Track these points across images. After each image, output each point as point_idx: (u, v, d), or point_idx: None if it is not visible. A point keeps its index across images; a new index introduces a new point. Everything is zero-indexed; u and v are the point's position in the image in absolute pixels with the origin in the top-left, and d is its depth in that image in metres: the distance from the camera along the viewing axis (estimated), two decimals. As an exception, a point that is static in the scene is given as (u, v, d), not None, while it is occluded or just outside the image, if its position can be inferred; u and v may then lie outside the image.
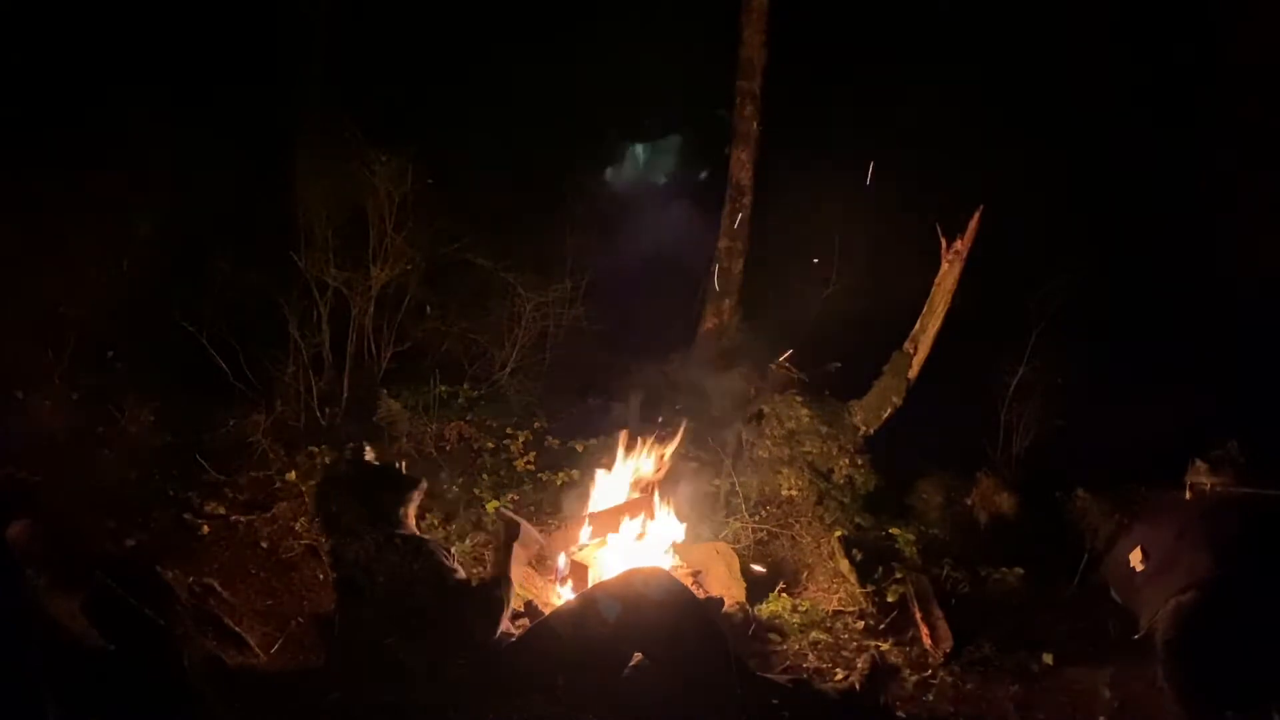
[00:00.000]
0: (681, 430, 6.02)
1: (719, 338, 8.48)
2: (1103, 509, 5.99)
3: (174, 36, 7.70)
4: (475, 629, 4.14)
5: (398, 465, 4.84)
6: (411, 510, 4.60)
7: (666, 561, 5.31)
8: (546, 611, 4.57)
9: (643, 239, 9.54)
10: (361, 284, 7.15)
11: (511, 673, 3.91)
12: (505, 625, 4.33)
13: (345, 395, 7.07)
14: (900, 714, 4.34)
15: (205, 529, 5.47)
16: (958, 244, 6.51)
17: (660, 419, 6.74)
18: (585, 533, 5.33)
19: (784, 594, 5.45)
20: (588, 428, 7.28)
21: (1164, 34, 8.93)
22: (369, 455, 4.69)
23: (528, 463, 6.75)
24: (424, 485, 4.74)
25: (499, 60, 9.65)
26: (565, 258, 8.43)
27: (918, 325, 6.73)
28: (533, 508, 6.29)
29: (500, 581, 4.43)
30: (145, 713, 3.41)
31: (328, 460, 6.04)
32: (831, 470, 6.51)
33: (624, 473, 5.78)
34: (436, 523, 5.84)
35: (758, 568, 5.69)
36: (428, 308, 7.81)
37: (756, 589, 5.42)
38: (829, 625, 5.20)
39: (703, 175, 10.75)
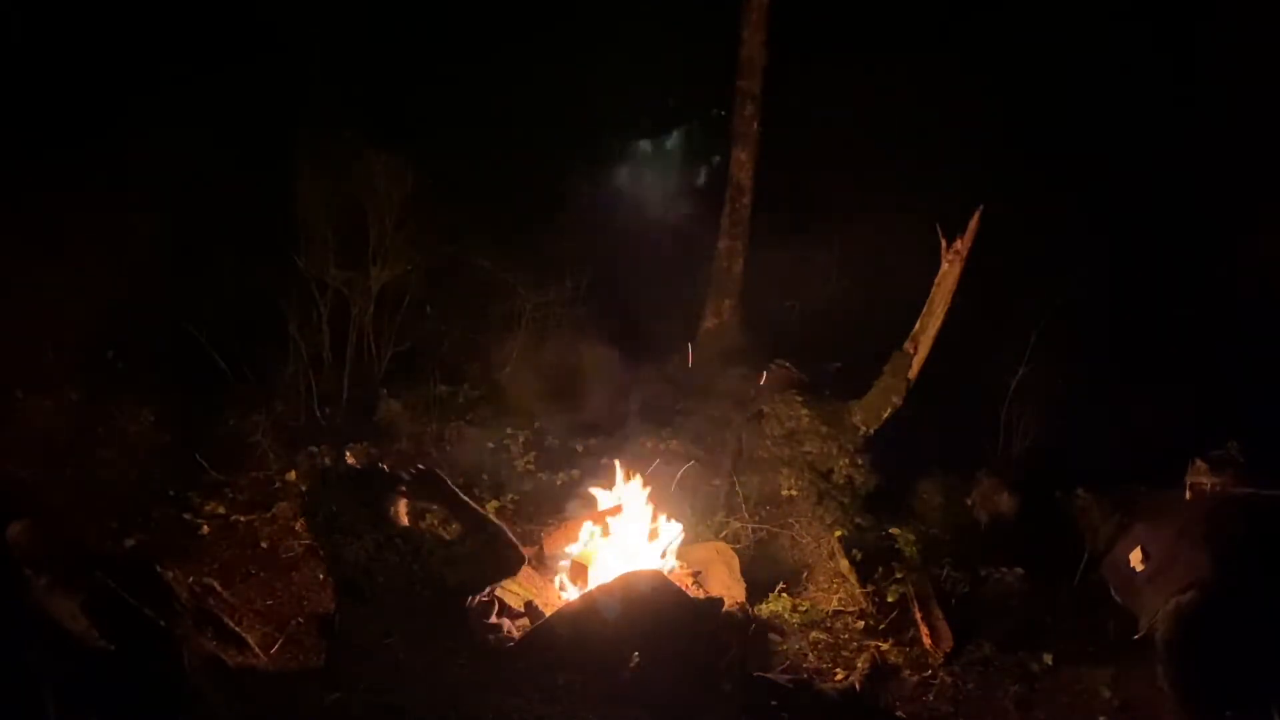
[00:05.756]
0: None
1: (719, 338, 8.48)
2: (1103, 509, 5.96)
3: (174, 35, 7.70)
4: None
5: (382, 465, 4.84)
6: (402, 508, 4.60)
7: (668, 564, 5.30)
8: (547, 612, 4.57)
9: (642, 238, 9.55)
10: (361, 284, 7.15)
11: (511, 673, 3.90)
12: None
13: (345, 395, 7.08)
14: (900, 714, 4.34)
15: (205, 529, 5.48)
16: (958, 244, 6.50)
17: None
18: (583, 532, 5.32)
19: (784, 594, 5.44)
20: (588, 427, 7.28)
21: (1162, 27, 8.94)
22: (350, 459, 4.67)
23: (528, 463, 6.74)
24: None
25: (499, 59, 9.65)
26: (565, 258, 8.43)
27: (918, 325, 6.72)
28: (532, 508, 6.29)
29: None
30: (145, 713, 3.40)
31: (328, 460, 6.04)
32: (831, 470, 6.50)
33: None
34: (436, 523, 5.84)
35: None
36: (428, 308, 7.81)
37: (756, 589, 5.42)
38: (829, 625, 5.19)
39: (702, 175, 10.76)
